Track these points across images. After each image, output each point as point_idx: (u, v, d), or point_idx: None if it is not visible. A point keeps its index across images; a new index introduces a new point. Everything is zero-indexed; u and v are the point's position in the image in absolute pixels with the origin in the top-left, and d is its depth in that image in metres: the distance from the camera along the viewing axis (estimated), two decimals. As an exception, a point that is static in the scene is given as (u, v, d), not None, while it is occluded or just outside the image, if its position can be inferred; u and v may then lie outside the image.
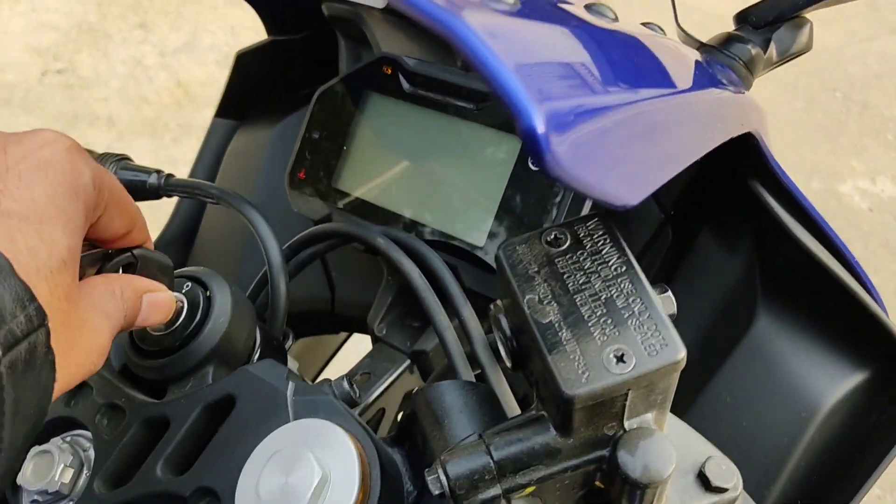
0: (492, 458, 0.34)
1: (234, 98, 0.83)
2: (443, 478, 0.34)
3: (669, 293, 0.37)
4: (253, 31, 2.40)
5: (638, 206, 0.51)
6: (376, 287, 0.66)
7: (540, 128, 0.23)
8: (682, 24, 0.63)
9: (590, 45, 0.31)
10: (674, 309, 0.37)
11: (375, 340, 0.66)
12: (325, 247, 0.61)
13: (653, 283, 0.35)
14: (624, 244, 0.35)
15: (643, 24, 0.50)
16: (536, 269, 0.35)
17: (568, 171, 0.24)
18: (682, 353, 0.32)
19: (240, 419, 0.43)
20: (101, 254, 0.44)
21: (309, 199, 0.66)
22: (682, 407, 0.57)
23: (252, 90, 0.82)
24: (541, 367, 0.33)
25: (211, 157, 0.84)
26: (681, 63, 0.43)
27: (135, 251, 0.44)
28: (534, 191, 0.55)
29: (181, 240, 0.81)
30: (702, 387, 0.55)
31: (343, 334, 0.94)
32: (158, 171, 0.62)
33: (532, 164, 0.53)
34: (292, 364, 0.56)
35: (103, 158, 0.63)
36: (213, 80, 2.46)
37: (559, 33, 0.32)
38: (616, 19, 0.40)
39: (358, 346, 0.87)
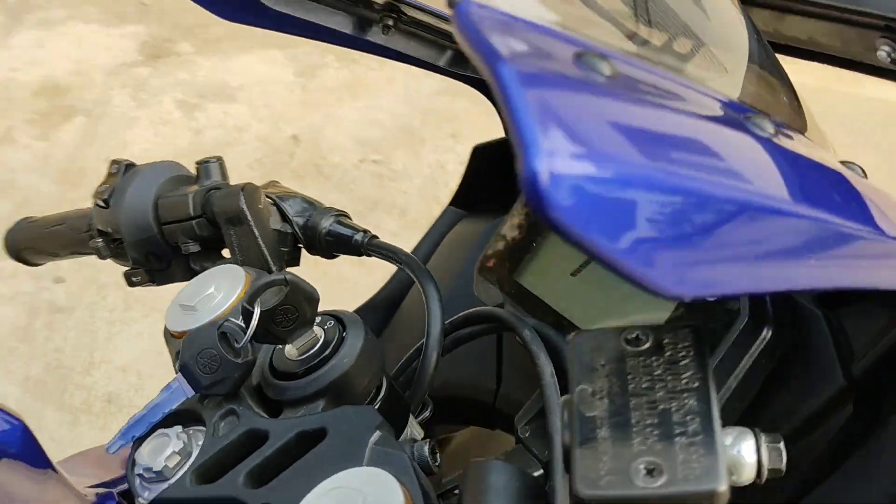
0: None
1: (466, 189, 0.89)
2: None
3: (780, 445, 0.33)
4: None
5: (818, 362, 0.46)
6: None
7: (543, 158, 0.22)
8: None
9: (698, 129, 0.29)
10: (780, 465, 0.33)
11: (517, 441, 0.64)
12: (481, 329, 0.61)
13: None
14: (707, 361, 0.32)
15: (842, 161, 0.45)
16: (603, 363, 0.33)
17: (568, 219, 0.22)
18: (722, 486, 0.27)
19: (324, 452, 0.44)
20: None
21: (489, 287, 0.67)
22: None
23: (484, 183, 0.87)
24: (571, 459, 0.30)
25: (432, 239, 0.89)
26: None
27: (287, 276, 0.49)
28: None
29: (384, 306, 0.86)
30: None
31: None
32: (366, 231, 0.68)
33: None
34: (417, 432, 0.57)
35: (327, 211, 0.70)
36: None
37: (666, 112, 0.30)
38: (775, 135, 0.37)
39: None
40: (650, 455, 0.29)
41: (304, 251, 0.72)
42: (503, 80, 0.23)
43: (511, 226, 0.69)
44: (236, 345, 0.50)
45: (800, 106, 0.57)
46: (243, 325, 0.50)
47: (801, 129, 0.53)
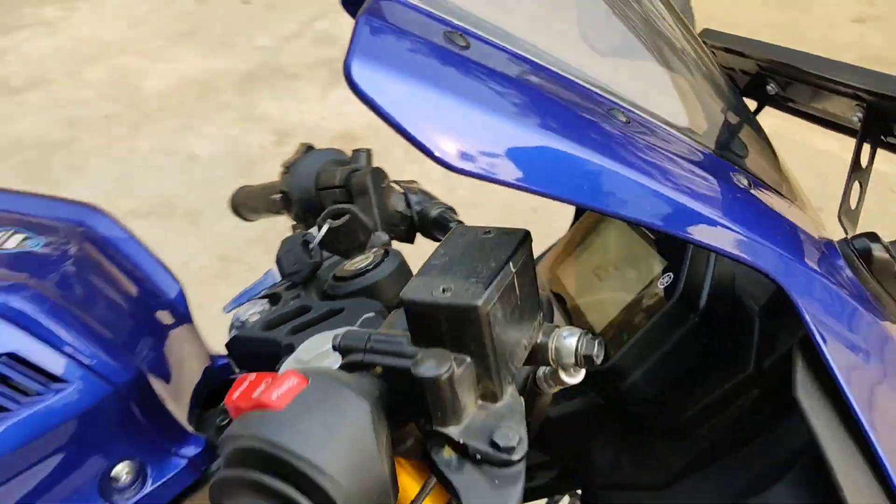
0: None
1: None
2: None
3: (596, 341, 0.46)
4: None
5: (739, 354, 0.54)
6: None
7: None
8: None
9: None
10: (593, 352, 0.45)
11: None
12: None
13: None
14: (516, 249, 0.44)
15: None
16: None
17: (362, 83, 0.37)
18: (479, 302, 0.41)
19: (337, 321, 0.63)
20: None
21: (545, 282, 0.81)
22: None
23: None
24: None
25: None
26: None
27: (351, 208, 0.69)
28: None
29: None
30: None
31: None
32: (460, 222, 0.86)
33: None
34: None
35: (440, 204, 0.89)
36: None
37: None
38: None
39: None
40: (449, 283, 0.43)
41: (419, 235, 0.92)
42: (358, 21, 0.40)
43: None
44: (311, 249, 0.71)
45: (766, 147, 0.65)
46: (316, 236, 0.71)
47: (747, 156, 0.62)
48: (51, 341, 0.53)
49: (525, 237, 0.46)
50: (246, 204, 1.03)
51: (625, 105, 0.48)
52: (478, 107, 0.41)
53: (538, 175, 0.41)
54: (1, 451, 0.51)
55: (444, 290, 0.43)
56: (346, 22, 0.46)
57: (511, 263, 0.44)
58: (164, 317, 0.75)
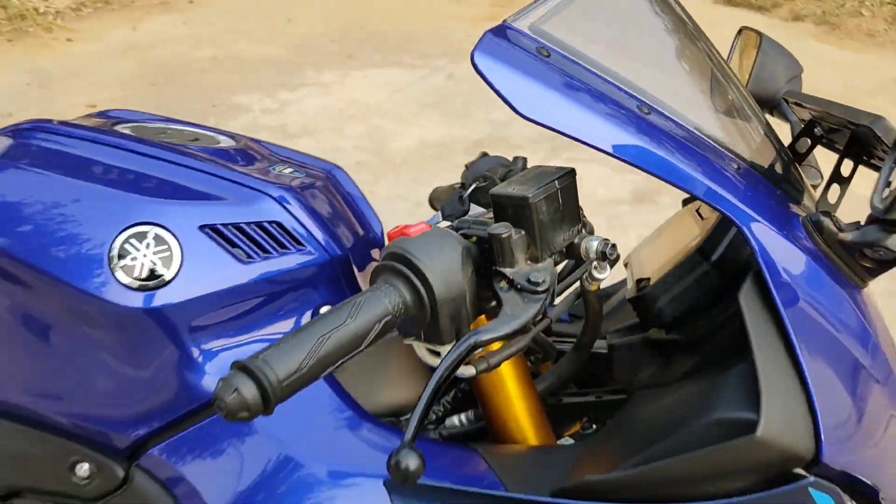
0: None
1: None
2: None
3: (613, 245, 0.74)
4: None
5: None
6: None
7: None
8: None
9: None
10: (607, 251, 0.74)
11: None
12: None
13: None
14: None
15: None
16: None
17: (480, 65, 0.68)
18: (529, 195, 0.70)
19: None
20: None
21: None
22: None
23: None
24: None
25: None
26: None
27: (492, 176, 1.00)
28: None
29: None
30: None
31: None
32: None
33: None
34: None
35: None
36: None
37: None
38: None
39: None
40: (517, 187, 0.73)
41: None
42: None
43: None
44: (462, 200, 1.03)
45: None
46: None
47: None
48: (300, 221, 0.89)
49: (571, 171, 0.76)
50: (438, 198, 1.39)
51: (644, 99, 0.77)
52: (551, 89, 0.71)
53: (571, 124, 0.70)
54: (261, 279, 0.87)
55: (512, 189, 0.74)
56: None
57: (557, 181, 0.74)
58: (369, 243, 1.09)
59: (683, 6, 0.94)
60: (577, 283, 0.82)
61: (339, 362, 0.61)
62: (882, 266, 0.72)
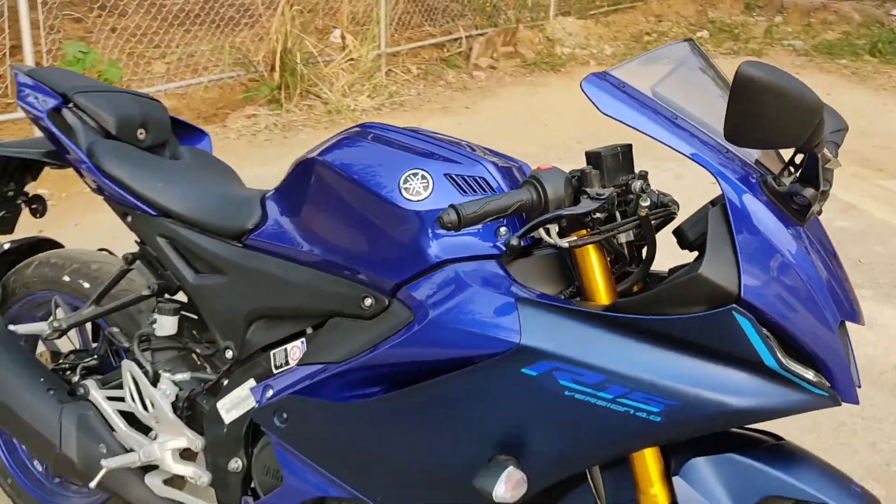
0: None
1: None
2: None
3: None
4: None
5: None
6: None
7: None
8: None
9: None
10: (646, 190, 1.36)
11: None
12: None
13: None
14: None
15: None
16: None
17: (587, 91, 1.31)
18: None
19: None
20: None
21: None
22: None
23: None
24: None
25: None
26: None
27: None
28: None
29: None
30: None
31: None
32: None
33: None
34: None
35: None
36: None
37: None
38: None
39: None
40: None
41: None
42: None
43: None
44: None
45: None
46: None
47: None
48: (495, 178, 1.57)
49: (629, 145, 1.39)
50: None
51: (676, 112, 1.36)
52: (621, 99, 1.35)
53: (639, 123, 1.33)
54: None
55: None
56: None
57: (619, 147, 1.37)
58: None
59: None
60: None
61: (493, 217, 1.27)
62: (804, 209, 1.24)
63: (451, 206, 1.23)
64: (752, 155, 1.35)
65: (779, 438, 1.40)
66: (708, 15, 12.12)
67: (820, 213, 1.32)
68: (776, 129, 1.13)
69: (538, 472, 1.33)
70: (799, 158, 1.29)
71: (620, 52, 9.84)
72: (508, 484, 1.29)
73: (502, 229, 1.42)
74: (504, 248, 1.39)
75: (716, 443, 1.33)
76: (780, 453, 1.35)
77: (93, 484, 1.72)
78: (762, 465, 1.31)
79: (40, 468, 2.16)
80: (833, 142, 1.36)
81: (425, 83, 7.63)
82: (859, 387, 1.30)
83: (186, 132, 2.06)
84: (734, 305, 1.20)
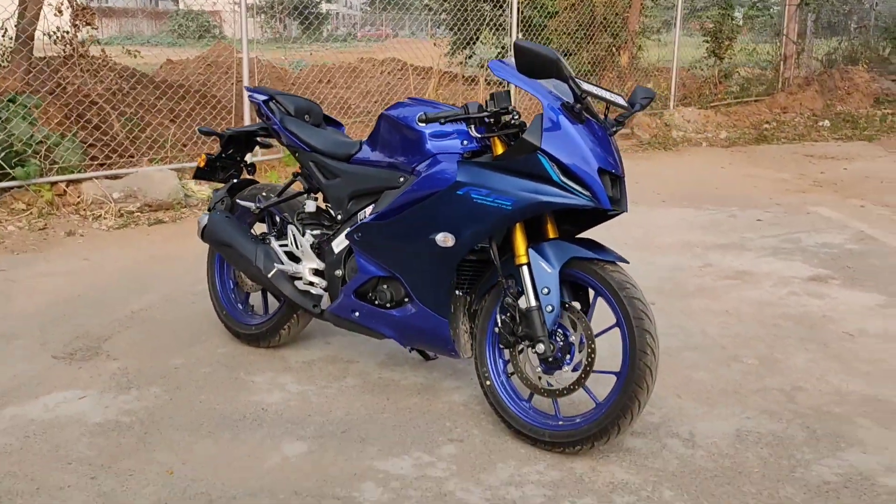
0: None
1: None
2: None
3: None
4: None
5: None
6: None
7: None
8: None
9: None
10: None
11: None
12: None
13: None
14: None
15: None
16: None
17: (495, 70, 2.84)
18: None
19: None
20: None
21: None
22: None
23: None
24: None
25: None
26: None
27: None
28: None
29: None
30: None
31: None
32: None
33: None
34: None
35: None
36: None
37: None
38: None
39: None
40: None
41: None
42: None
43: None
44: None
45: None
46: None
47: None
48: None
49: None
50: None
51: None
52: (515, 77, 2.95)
53: (520, 83, 2.90)
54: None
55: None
56: None
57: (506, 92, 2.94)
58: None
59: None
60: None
61: (444, 119, 2.86)
62: (578, 114, 2.72)
63: (423, 112, 2.86)
64: (565, 94, 2.88)
65: (592, 241, 2.86)
66: (836, 108, 13.02)
67: (612, 126, 2.82)
68: (538, 69, 2.68)
69: (461, 239, 2.88)
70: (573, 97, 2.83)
71: (734, 136, 11.05)
72: (444, 238, 2.86)
73: (465, 141, 3.00)
74: (462, 153, 2.97)
75: (558, 239, 2.83)
76: (586, 243, 2.82)
77: (270, 275, 3.45)
78: (572, 244, 2.80)
79: (240, 305, 3.93)
80: (640, 103, 2.89)
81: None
82: (626, 210, 2.75)
83: (332, 122, 3.84)
84: (538, 151, 2.73)
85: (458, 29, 11.46)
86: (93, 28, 7.54)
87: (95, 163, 6.58)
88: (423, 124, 2.85)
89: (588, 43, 11.04)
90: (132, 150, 6.99)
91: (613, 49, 11.10)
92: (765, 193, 7.48)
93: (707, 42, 12.56)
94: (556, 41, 10.74)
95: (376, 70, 11.48)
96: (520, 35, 10.89)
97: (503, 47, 10.89)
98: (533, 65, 2.64)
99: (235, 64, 7.95)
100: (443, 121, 2.80)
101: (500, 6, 10.48)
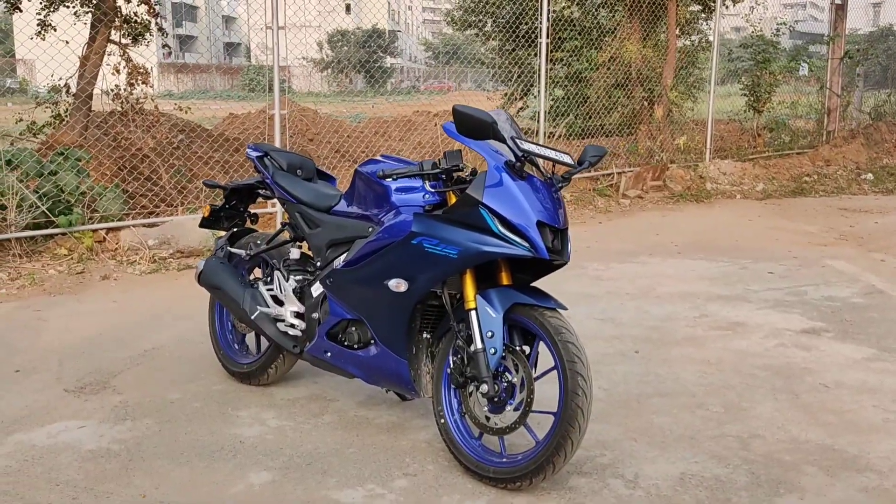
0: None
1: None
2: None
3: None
4: None
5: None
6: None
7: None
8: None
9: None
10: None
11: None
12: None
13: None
14: None
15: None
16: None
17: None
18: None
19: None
20: None
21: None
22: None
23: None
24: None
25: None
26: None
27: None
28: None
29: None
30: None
31: None
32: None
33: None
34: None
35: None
36: None
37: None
38: None
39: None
40: None
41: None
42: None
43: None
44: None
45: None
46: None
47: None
48: None
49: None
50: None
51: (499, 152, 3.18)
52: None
53: (467, 143, 3.17)
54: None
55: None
56: None
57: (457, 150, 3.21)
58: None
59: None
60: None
61: (398, 175, 3.14)
62: (520, 171, 2.95)
63: (381, 169, 3.14)
64: (504, 154, 3.10)
65: (537, 289, 3.07)
66: (882, 161, 12.85)
67: (559, 182, 3.05)
68: (475, 131, 2.93)
69: (413, 285, 3.11)
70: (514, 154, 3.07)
71: (771, 189, 11.03)
72: (398, 284, 3.10)
73: (426, 195, 3.26)
74: (424, 207, 3.23)
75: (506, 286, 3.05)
76: (532, 290, 3.03)
77: (254, 316, 3.74)
78: (518, 291, 3.00)
79: (236, 345, 4.23)
80: (589, 161, 3.13)
81: (575, 207, 9.46)
82: (567, 261, 2.96)
83: (325, 176, 4.15)
84: (480, 205, 2.96)
85: (512, 82, 11.83)
86: (147, 87, 8.17)
87: (134, 211, 7.06)
88: (387, 180, 3.11)
89: (625, 97, 11.25)
90: (179, 200, 7.47)
91: (645, 103, 11.27)
92: (784, 246, 7.50)
93: (745, 95, 12.62)
94: (594, 96, 10.99)
95: (430, 122, 11.94)
96: (553, 89, 11.20)
97: (554, 100, 11.17)
98: (470, 127, 2.90)
99: (267, 118, 8.44)
100: (395, 177, 3.06)
101: (552, 60, 10.81)
